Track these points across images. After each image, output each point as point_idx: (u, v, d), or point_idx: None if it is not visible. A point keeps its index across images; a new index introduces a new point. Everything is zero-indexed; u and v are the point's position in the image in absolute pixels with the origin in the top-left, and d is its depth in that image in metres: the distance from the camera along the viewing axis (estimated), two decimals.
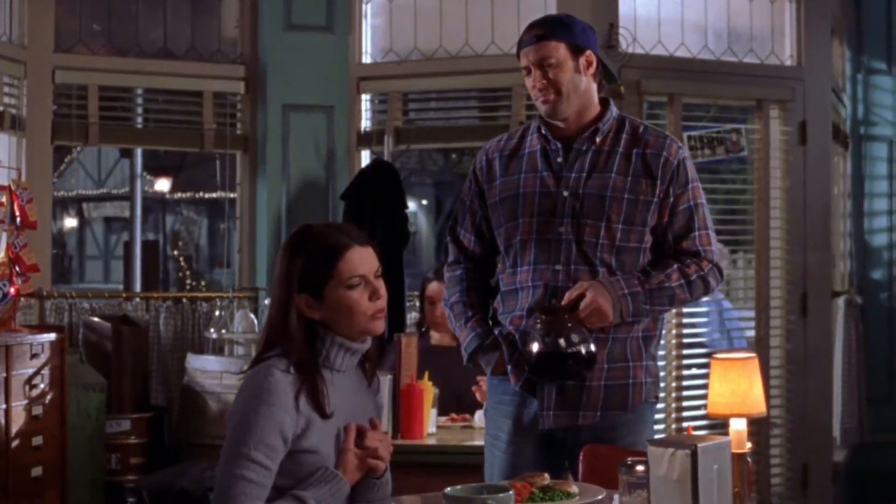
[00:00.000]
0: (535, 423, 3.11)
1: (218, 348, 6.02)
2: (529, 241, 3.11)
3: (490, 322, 3.23)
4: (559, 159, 3.14)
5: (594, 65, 3.16)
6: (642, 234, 3.10)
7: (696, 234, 3.12)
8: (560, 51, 3.10)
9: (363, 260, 2.53)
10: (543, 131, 3.18)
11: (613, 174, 3.10)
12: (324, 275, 2.50)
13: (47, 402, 5.17)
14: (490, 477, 3.19)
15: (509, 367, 3.13)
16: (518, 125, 5.19)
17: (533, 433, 3.12)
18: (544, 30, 3.12)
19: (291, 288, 2.50)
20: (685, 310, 5.70)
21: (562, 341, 2.94)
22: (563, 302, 2.99)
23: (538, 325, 2.98)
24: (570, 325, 2.95)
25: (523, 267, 3.12)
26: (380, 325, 2.57)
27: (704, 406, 3.37)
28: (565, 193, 3.09)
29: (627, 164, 3.11)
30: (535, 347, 2.97)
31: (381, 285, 2.55)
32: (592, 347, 2.97)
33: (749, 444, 2.49)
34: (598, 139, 3.13)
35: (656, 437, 3.49)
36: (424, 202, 19.99)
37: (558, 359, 2.95)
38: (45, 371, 5.18)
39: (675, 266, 3.09)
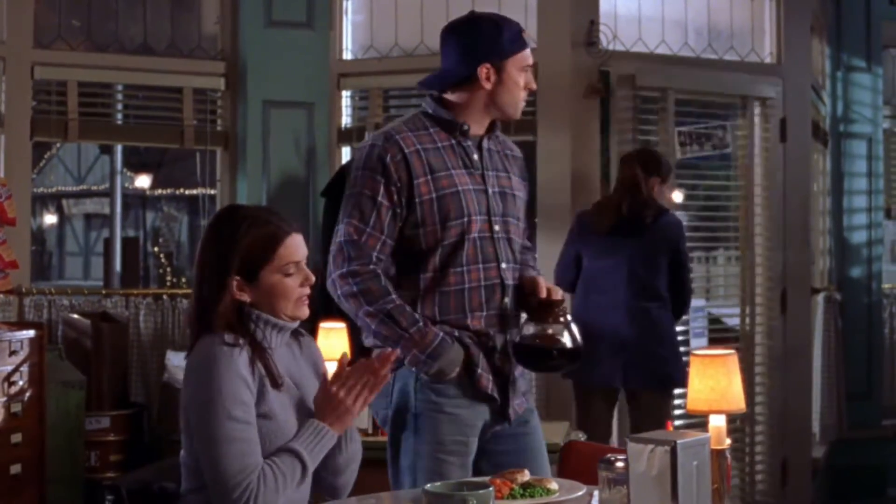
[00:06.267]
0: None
1: None
2: (474, 239, 3.02)
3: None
4: (475, 157, 3.10)
5: None
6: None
7: (528, 230, 3.29)
8: None
9: (298, 247, 2.56)
10: (449, 128, 3.08)
11: (511, 174, 3.17)
12: (262, 260, 2.51)
13: (26, 399, 5.15)
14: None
15: (478, 371, 3.01)
16: None
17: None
18: None
19: (228, 270, 2.49)
20: None
21: (566, 336, 2.96)
22: (543, 296, 3.00)
23: (533, 320, 2.99)
24: (561, 318, 2.98)
25: (470, 265, 3.01)
26: (305, 310, 2.59)
27: (684, 403, 3.38)
28: (491, 191, 3.08)
29: (512, 164, 3.19)
30: (537, 341, 2.97)
31: (310, 272, 2.58)
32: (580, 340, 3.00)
33: (728, 441, 2.50)
34: (496, 139, 3.18)
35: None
36: None
37: (570, 352, 2.97)
38: (24, 368, 5.15)
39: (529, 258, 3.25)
